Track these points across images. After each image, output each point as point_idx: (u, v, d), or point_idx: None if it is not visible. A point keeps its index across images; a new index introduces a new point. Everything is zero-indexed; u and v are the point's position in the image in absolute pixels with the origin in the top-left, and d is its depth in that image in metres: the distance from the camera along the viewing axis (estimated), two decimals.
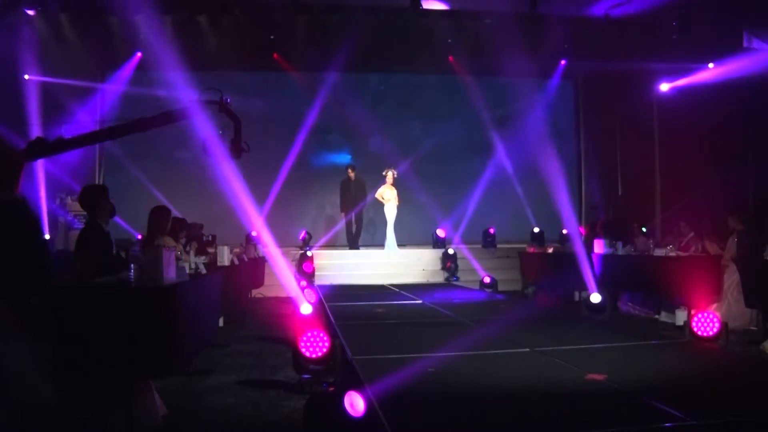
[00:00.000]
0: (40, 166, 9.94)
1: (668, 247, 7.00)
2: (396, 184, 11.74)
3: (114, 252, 4.44)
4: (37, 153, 5.24)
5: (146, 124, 5.76)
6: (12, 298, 2.76)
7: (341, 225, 12.19)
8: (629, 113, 12.53)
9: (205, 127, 6.37)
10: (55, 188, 10.52)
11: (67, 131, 10.48)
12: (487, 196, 13.05)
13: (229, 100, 6.24)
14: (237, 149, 6.34)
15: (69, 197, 10.54)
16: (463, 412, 2.92)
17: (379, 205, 11.84)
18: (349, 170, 11.94)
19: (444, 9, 11.58)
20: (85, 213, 9.30)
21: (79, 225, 9.49)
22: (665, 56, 11.73)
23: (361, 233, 12.17)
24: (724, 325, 4.58)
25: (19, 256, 2.78)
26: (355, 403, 2.81)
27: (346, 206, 11.88)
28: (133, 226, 10.51)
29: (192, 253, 6.00)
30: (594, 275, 7.46)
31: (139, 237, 8.82)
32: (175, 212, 6.48)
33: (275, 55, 12.51)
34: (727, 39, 10.75)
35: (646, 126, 12.66)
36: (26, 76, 10.70)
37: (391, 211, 11.65)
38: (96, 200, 4.27)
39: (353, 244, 12.05)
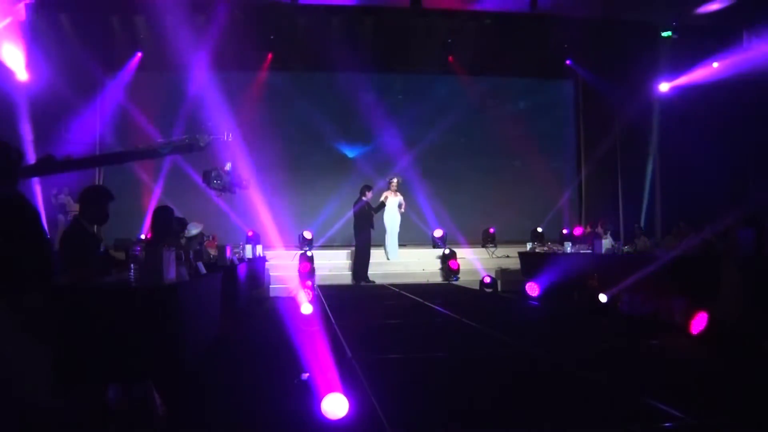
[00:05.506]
0: None
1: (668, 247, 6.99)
2: (400, 190, 11.13)
3: (102, 250, 4.38)
4: (45, 170, 5.19)
5: (154, 153, 5.79)
6: (13, 295, 2.75)
7: (342, 225, 12.07)
8: (630, 113, 12.52)
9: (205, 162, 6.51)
10: (49, 184, 10.37)
11: (65, 134, 10.50)
12: (487, 196, 13.05)
13: (231, 137, 6.33)
14: (235, 185, 6.51)
15: (68, 197, 10.49)
16: (462, 411, 2.92)
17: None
18: (367, 192, 10.40)
19: (444, 9, 11.56)
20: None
21: None
22: (665, 56, 11.75)
23: (368, 266, 10.29)
24: (719, 324, 4.58)
25: (21, 251, 2.77)
26: (338, 405, 2.80)
27: (360, 232, 10.24)
28: (132, 226, 10.51)
29: (192, 253, 5.99)
30: (599, 275, 7.45)
31: (143, 237, 8.82)
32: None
33: (269, 56, 12.50)
34: (727, 39, 10.77)
35: (646, 125, 12.65)
36: (22, 76, 10.68)
37: (390, 219, 10.97)
38: (89, 201, 4.21)
39: (360, 277, 10.16)
